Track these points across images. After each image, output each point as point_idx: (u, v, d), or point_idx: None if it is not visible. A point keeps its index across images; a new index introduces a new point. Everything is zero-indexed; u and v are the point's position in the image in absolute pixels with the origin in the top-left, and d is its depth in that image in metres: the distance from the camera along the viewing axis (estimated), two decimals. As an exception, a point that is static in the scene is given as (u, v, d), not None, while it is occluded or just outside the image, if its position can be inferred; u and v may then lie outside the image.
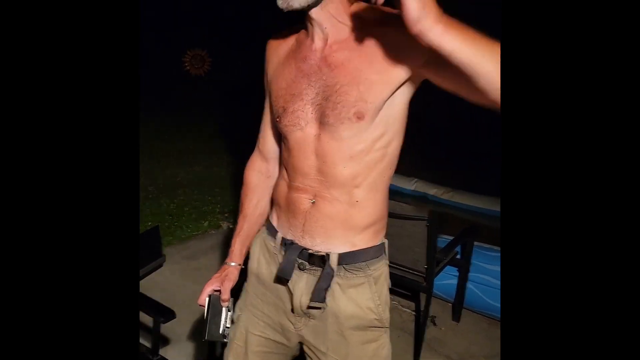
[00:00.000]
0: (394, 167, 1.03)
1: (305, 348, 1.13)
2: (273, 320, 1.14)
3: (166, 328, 1.93)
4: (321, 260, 1.03)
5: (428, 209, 1.99)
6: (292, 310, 1.09)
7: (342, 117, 0.94)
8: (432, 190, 3.97)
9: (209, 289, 1.17)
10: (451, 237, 2.40)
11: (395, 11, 0.86)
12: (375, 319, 1.05)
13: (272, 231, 1.14)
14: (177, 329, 2.26)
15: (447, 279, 2.53)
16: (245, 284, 1.22)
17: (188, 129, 6.55)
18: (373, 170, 0.99)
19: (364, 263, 1.04)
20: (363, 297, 1.04)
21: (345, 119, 0.94)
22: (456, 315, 2.52)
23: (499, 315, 2.43)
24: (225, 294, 1.16)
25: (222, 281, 1.17)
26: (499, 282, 2.41)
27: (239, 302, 1.22)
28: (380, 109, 0.94)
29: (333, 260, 1.02)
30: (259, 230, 1.20)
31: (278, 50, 1.08)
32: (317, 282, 1.02)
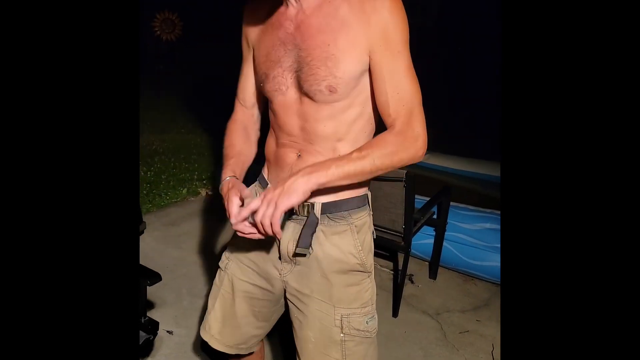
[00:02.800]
0: (373, 124, 1.08)
1: (288, 295, 1.17)
2: (260, 267, 1.18)
3: (150, 292, 1.95)
4: (306, 209, 1.07)
5: (403, 171, 2.03)
6: (280, 258, 1.14)
7: (315, 90, 0.99)
8: None
9: (234, 204, 1.02)
10: (427, 198, 2.46)
11: None
12: (357, 263, 1.10)
13: (263, 183, 1.19)
14: (159, 292, 2.29)
15: (423, 239, 2.61)
16: (233, 234, 1.25)
17: (161, 96, 6.43)
18: (353, 126, 1.04)
19: (346, 212, 1.09)
20: (345, 243, 1.09)
21: (318, 91, 0.99)
22: (433, 273, 2.62)
23: (474, 272, 2.54)
24: (246, 191, 1.07)
25: (239, 190, 1.05)
26: (473, 240, 2.51)
27: (226, 252, 1.26)
28: (351, 83, 0.99)
29: (317, 209, 1.07)
30: (247, 167, 1.20)
31: (256, 15, 1.11)
32: (302, 229, 1.06)
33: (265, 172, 1.20)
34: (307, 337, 1.14)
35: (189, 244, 2.85)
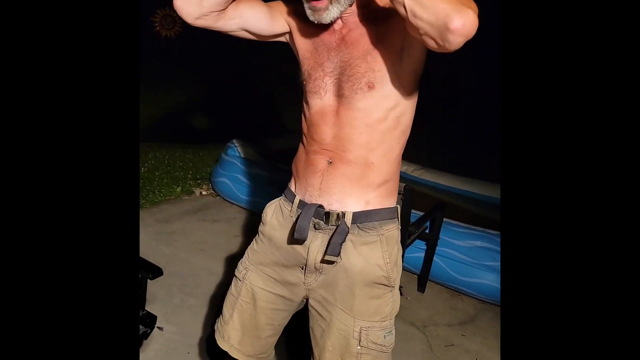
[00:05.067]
0: (407, 136, 1.11)
1: (311, 301, 1.18)
2: (282, 277, 1.19)
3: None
4: (337, 218, 1.09)
5: (402, 184, 2.07)
6: (304, 267, 1.15)
7: (356, 88, 1.03)
8: (403, 167, 4.09)
9: None
10: (420, 213, 2.51)
11: None
12: (383, 276, 1.11)
13: (289, 196, 1.19)
14: (151, 288, 2.29)
15: (414, 252, 2.65)
16: (251, 245, 1.27)
17: (156, 94, 6.42)
18: (388, 137, 1.07)
19: (377, 222, 1.10)
20: (374, 254, 1.10)
21: (358, 89, 1.03)
22: (422, 286, 2.66)
23: (461, 288, 2.59)
24: None
25: None
26: (463, 257, 2.56)
27: (244, 261, 1.27)
28: (388, 78, 1.03)
29: (348, 218, 1.08)
30: None
31: (296, 10, 1.14)
32: (332, 236, 1.08)
33: (292, 185, 1.20)
34: (326, 345, 1.15)
35: (181, 242, 2.86)
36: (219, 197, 3.60)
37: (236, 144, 3.60)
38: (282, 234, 1.18)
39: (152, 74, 6.98)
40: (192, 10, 1.05)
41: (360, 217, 1.09)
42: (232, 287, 1.28)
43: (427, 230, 2.59)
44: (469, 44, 0.81)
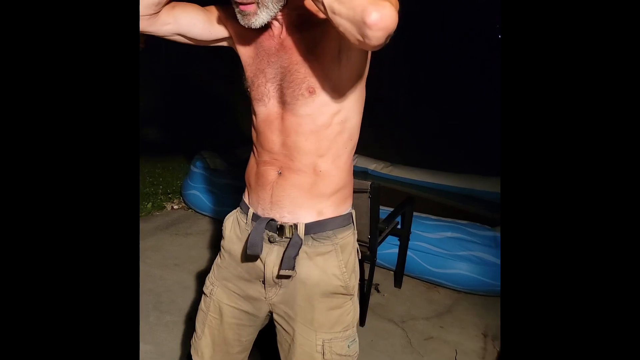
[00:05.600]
0: (354, 141, 1.09)
1: (275, 316, 1.17)
2: (245, 292, 1.18)
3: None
4: (289, 230, 1.08)
5: (369, 182, 2.09)
6: (264, 282, 1.13)
7: (297, 94, 1.01)
8: (372, 165, 4.13)
9: None
10: (391, 209, 2.53)
11: None
12: (341, 285, 1.10)
13: (244, 208, 1.18)
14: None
15: (388, 248, 2.67)
16: (216, 260, 1.26)
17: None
18: (334, 143, 1.05)
19: (331, 232, 1.09)
20: (329, 264, 1.09)
21: (299, 95, 1.01)
22: (398, 282, 2.68)
23: (436, 279, 2.62)
24: None
25: None
26: (436, 249, 2.59)
27: (210, 276, 1.25)
28: (328, 82, 1.01)
29: (300, 230, 1.07)
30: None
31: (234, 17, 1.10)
32: (285, 250, 1.07)
33: (245, 197, 1.20)
34: None
35: (154, 258, 2.82)
36: (190, 210, 3.57)
37: (205, 156, 3.57)
38: (241, 248, 1.17)
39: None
40: None
41: (314, 228, 1.08)
42: (202, 303, 1.26)
43: (398, 226, 2.61)
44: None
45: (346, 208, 1.12)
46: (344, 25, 0.78)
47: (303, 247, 1.08)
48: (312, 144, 1.04)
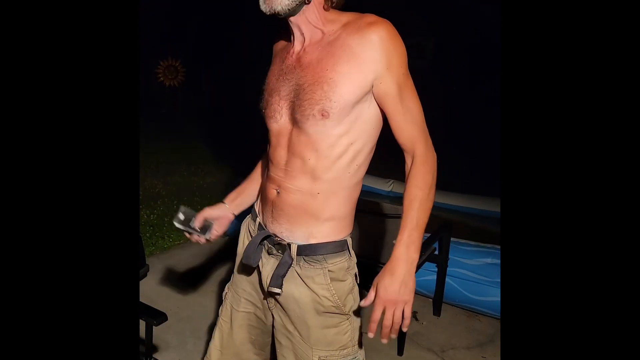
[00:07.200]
0: (360, 164, 1.07)
1: (275, 329, 1.20)
2: (254, 297, 1.22)
3: (154, 335, 1.95)
4: (284, 248, 1.10)
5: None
6: (262, 290, 1.18)
7: (307, 114, 1.01)
8: (378, 184, 4.10)
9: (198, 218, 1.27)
10: (428, 234, 2.48)
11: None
12: (332, 305, 1.09)
13: (254, 215, 1.23)
14: (163, 335, 2.28)
15: (426, 275, 2.61)
16: (235, 265, 1.30)
17: (164, 140, 6.54)
18: (335, 164, 1.04)
19: (321, 256, 1.09)
20: (318, 287, 1.09)
21: (310, 116, 1.01)
22: (437, 310, 2.61)
23: (477, 307, 2.53)
24: (200, 216, 1.27)
25: (207, 211, 1.29)
26: (475, 276, 2.51)
27: (228, 283, 1.31)
28: (346, 109, 1.00)
29: (293, 251, 1.09)
30: (248, 201, 1.32)
31: (275, 49, 1.18)
32: (276, 268, 1.10)
33: (257, 205, 1.24)
34: None
35: (193, 286, 2.85)
36: (228, 237, 3.61)
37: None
38: None
39: (158, 120, 7.13)
40: None
41: (305, 250, 1.09)
42: (220, 308, 1.31)
43: (435, 252, 2.55)
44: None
45: (341, 235, 1.11)
46: None
47: (295, 267, 1.10)
48: (312, 163, 1.04)
